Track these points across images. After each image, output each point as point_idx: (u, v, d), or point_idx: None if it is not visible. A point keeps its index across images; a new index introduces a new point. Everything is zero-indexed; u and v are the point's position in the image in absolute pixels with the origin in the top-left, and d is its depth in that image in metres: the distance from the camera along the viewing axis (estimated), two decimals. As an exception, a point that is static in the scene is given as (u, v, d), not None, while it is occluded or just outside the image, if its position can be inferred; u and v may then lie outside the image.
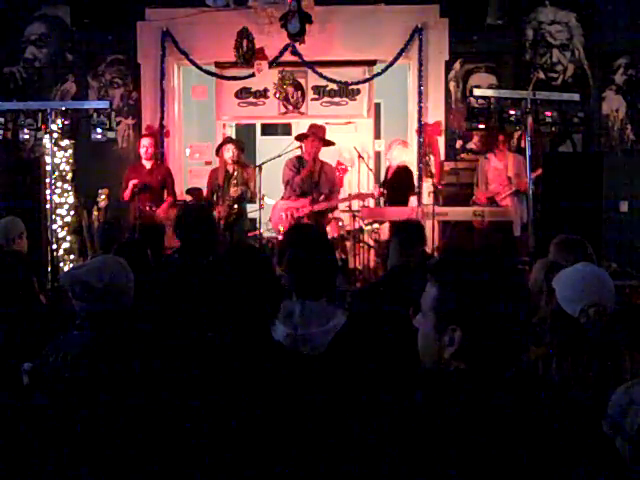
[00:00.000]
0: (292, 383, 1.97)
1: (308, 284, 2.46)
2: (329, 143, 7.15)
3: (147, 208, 7.09)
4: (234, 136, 8.82)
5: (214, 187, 7.27)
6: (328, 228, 7.06)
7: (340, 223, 7.32)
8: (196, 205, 6.74)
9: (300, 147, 7.08)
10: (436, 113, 8.16)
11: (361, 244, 7.29)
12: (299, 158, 7.07)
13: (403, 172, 7.42)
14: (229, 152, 7.15)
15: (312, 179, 6.97)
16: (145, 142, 7.39)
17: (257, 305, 2.02)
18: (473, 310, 1.48)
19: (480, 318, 1.48)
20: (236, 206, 7.14)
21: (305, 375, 2.00)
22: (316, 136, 6.94)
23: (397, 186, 7.34)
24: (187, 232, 3.54)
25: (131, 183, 7.08)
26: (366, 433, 1.65)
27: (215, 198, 7.24)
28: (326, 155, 7.47)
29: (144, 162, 7.39)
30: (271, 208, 7.18)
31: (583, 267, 2.52)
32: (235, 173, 7.17)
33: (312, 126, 7.15)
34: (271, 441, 1.88)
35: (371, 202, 7.74)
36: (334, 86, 8.36)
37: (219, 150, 7.30)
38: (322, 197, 6.94)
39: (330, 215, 7.18)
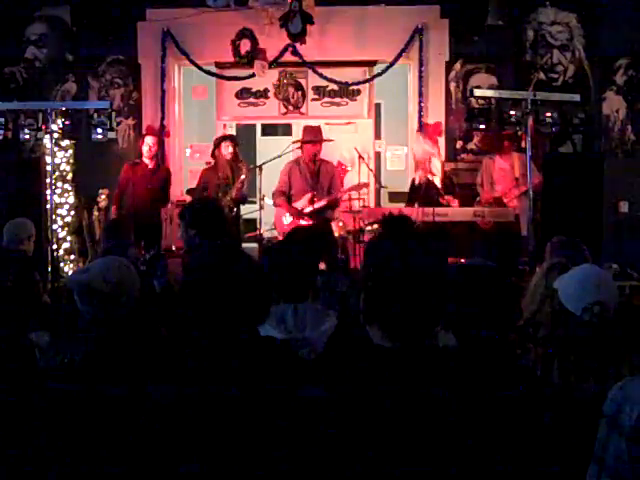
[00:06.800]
0: (292, 386, 1.96)
1: (286, 286, 2.45)
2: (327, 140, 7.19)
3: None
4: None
5: (214, 187, 7.16)
6: (334, 226, 7.08)
7: (340, 223, 7.31)
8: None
9: (300, 148, 7.07)
10: (436, 113, 8.15)
11: (361, 244, 7.27)
12: (297, 162, 7.06)
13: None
14: (228, 148, 7.13)
15: (312, 178, 6.97)
16: (149, 140, 7.36)
17: (246, 307, 2.00)
18: None
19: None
20: (235, 209, 7.12)
21: (304, 379, 1.99)
22: (321, 140, 6.98)
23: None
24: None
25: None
26: (367, 437, 1.65)
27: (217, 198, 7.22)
28: (327, 156, 7.47)
29: (145, 160, 7.37)
30: (274, 213, 7.17)
31: (587, 267, 2.60)
32: (233, 174, 7.14)
33: (312, 130, 7.12)
34: (270, 446, 1.87)
35: (371, 202, 7.71)
36: (334, 86, 8.35)
37: (216, 148, 7.24)
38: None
39: (333, 212, 7.16)
